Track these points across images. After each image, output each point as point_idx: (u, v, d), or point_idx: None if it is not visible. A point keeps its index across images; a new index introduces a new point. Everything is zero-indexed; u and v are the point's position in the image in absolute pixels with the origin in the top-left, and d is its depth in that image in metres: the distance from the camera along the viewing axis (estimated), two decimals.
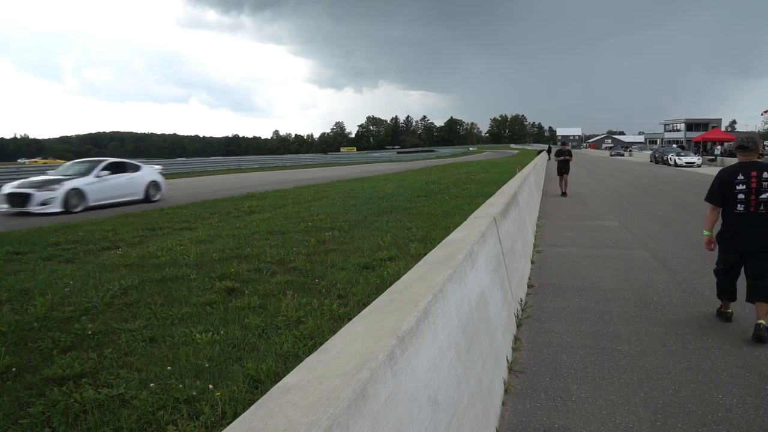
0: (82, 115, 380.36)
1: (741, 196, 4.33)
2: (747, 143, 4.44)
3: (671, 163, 40.11)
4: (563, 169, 17.35)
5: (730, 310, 4.75)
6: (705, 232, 4.76)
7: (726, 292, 4.65)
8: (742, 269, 4.52)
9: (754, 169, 4.33)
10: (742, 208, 4.33)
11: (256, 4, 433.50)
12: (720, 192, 4.47)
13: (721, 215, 4.57)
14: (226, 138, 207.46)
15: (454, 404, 2.10)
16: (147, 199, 16.86)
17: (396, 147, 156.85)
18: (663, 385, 3.44)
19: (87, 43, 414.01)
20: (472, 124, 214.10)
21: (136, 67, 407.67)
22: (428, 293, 2.17)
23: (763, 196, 4.25)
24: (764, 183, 4.26)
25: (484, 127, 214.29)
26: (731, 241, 4.48)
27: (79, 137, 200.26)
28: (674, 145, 60.11)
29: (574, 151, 17.98)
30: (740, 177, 4.35)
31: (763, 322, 4.15)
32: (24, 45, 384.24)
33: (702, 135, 58.88)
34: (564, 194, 16.50)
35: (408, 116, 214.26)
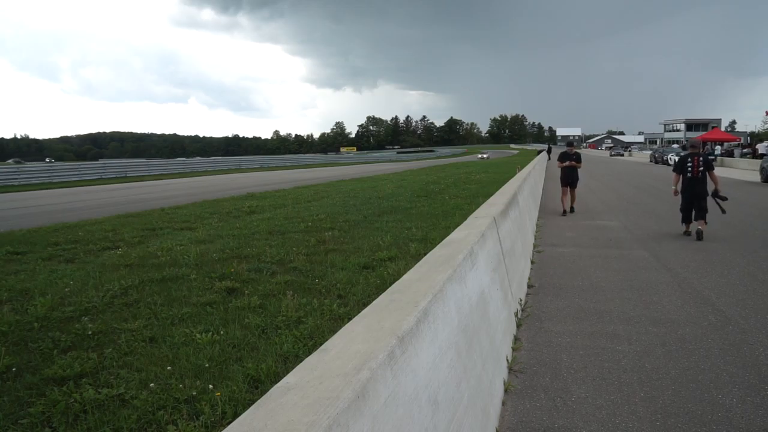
0: (82, 116, 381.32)
1: (689, 168, 8.79)
2: (696, 145, 9.26)
3: (671, 163, 40.16)
4: (569, 179, 12.42)
5: (688, 230, 8.93)
6: (672, 187, 9.35)
7: (686, 218, 8.91)
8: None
9: (696, 156, 8.84)
10: (690, 175, 8.80)
11: (254, 3, 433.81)
12: (679, 167, 9.04)
13: (681, 179, 8.99)
14: (226, 138, 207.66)
15: (454, 404, 2.10)
16: None
17: (396, 147, 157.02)
18: (663, 385, 3.44)
19: (83, 43, 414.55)
20: (472, 124, 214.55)
21: (133, 66, 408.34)
22: (428, 293, 2.17)
23: (701, 168, 8.69)
24: (700, 161, 8.73)
25: (484, 127, 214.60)
26: (686, 191, 8.87)
27: (79, 137, 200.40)
28: (674, 145, 60.01)
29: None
30: (689, 159, 8.83)
31: (700, 227, 8.57)
32: (22, 44, 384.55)
33: (702, 135, 58.83)
34: (570, 210, 12.40)
35: (408, 116, 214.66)
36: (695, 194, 8.68)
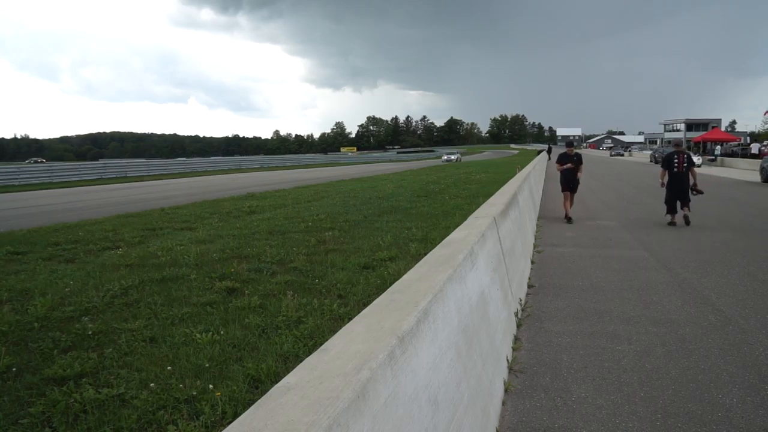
0: (82, 116, 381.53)
1: (675, 164, 10.24)
2: (681, 144, 10.92)
3: None
4: (569, 183, 11.35)
5: (674, 220, 10.22)
6: (660, 180, 10.53)
7: (671, 209, 10.30)
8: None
9: (681, 153, 10.36)
10: (675, 170, 10.18)
11: (253, 3, 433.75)
12: (666, 163, 10.44)
13: (668, 173, 10.29)
14: (226, 138, 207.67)
15: (454, 404, 2.11)
16: None
17: (396, 147, 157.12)
18: (663, 385, 3.44)
19: (83, 43, 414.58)
20: (473, 124, 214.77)
21: (133, 66, 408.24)
22: (428, 293, 2.17)
23: (685, 164, 10.17)
24: (684, 159, 10.25)
25: (484, 127, 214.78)
26: (671, 184, 10.26)
27: (79, 137, 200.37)
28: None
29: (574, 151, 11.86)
30: (675, 156, 10.31)
31: (686, 213, 10.02)
32: (22, 44, 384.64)
33: (702, 135, 58.83)
34: (569, 219, 11.08)
35: (408, 116, 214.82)
36: (679, 186, 10.21)
